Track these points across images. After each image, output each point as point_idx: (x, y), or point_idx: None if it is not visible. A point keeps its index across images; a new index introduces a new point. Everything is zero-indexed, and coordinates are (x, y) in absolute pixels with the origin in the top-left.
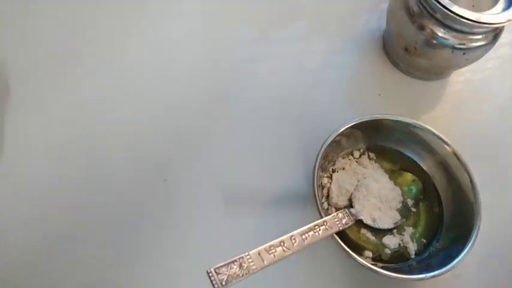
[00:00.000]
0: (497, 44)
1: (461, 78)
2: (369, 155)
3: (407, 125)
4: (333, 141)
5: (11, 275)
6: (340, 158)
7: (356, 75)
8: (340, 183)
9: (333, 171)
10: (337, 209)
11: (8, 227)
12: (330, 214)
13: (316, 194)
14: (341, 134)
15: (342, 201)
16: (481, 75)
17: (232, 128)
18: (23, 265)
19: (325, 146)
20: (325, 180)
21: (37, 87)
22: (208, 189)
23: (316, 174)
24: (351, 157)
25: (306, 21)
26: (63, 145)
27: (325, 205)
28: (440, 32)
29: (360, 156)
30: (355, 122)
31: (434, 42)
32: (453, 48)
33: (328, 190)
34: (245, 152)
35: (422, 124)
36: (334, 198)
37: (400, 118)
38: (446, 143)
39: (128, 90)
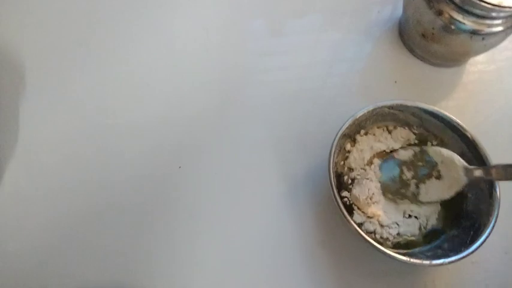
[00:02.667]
0: None
1: (477, 67)
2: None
3: (425, 111)
4: (353, 124)
5: (25, 261)
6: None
7: (372, 63)
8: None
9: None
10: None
11: (22, 214)
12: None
13: (332, 177)
14: (360, 119)
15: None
16: (497, 65)
17: (246, 118)
18: (38, 252)
19: (340, 133)
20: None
21: (52, 77)
22: (222, 178)
23: (332, 159)
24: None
25: (319, 12)
26: (77, 134)
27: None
28: (459, 17)
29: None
30: (373, 107)
31: (453, 27)
32: (472, 33)
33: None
34: (260, 142)
35: (442, 111)
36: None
37: (419, 104)
38: (464, 129)
39: (143, 80)
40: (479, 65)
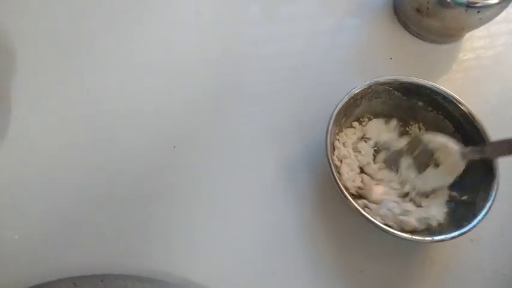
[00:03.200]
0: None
1: (474, 47)
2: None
3: (419, 86)
4: (350, 103)
5: (21, 249)
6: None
7: (367, 40)
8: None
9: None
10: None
11: (16, 202)
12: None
13: (329, 155)
14: (356, 96)
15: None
16: (495, 51)
17: (242, 103)
18: (33, 239)
19: (336, 110)
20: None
21: (45, 62)
22: (220, 164)
23: (329, 136)
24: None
25: None
26: (70, 119)
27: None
28: None
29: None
30: (368, 84)
31: (448, 0)
32: (467, 6)
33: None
34: (257, 127)
35: (437, 85)
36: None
37: (414, 80)
38: (461, 103)
39: (138, 67)
40: (480, 40)
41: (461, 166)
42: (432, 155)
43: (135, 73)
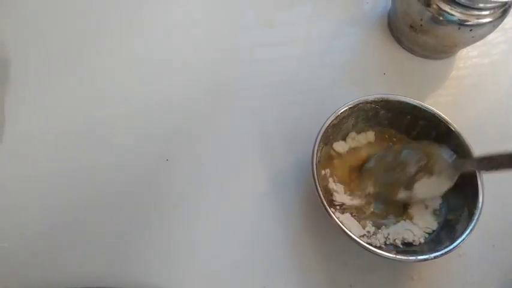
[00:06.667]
0: (506, 27)
1: (470, 61)
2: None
3: (407, 105)
4: (337, 121)
5: (16, 255)
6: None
7: (361, 55)
8: None
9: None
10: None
11: (10, 208)
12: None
13: (315, 171)
14: (342, 115)
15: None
16: (488, 60)
17: (235, 110)
18: (28, 246)
19: (323, 130)
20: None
21: (38, 69)
22: (209, 171)
23: (315, 157)
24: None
25: (308, 3)
26: (64, 127)
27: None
28: (447, 8)
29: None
30: (355, 103)
31: (441, 18)
32: (460, 24)
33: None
34: (248, 135)
35: (424, 104)
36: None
37: (400, 98)
38: (447, 122)
39: (131, 73)
40: (473, 59)
41: (453, 176)
42: (426, 163)
43: (130, 81)
